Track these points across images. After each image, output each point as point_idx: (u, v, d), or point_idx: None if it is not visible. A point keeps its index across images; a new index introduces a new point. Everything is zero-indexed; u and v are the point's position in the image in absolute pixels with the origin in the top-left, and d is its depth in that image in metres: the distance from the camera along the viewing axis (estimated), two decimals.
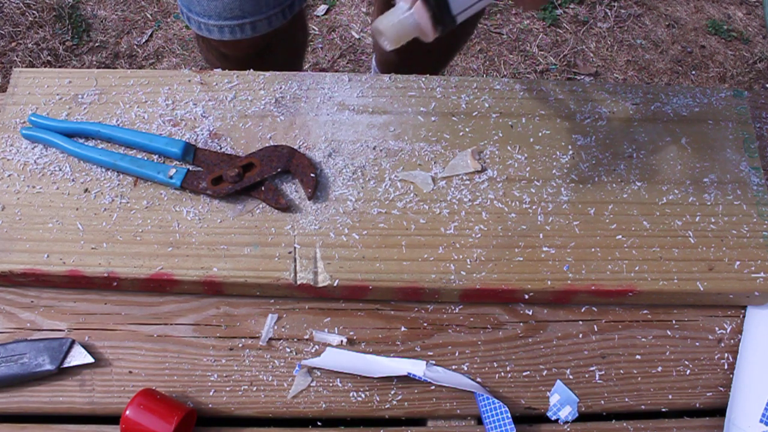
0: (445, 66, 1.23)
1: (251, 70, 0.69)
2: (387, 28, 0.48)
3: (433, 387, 0.58)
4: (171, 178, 0.61)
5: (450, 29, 0.48)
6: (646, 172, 0.65)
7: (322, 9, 1.77)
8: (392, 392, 0.58)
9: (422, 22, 0.47)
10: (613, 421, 0.59)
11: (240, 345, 0.59)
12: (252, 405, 0.57)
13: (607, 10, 1.81)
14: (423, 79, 0.69)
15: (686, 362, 0.60)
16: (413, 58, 1.10)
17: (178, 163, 0.63)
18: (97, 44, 1.68)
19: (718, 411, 0.59)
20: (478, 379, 0.59)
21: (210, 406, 0.57)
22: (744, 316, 0.62)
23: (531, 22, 1.77)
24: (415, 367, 0.57)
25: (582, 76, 1.70)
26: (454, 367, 0.59)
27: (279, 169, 0.62)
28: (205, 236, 0.60)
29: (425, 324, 0.61)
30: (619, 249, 0.61)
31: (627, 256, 0.61)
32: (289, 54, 1.02)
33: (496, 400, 0.56)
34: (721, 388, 0.60)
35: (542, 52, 1.72)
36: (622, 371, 0.60)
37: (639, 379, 0.60)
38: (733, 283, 0.60)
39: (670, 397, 0.59)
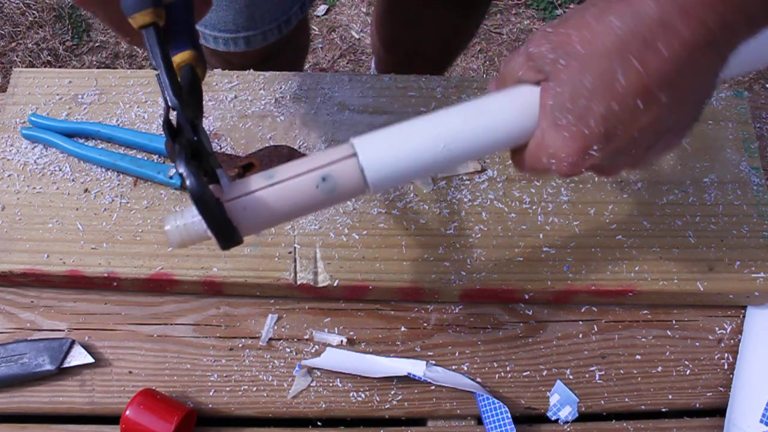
0: (443, 72, 1.23)
1: (251, 70, 0.69)
2: (171, 229, 0.41)
3: (433, 387, 0.58)
4: (171, 178, 0.61)
5: (238, 244, 0.42)
6: (646, 172, 0.65)
7: (322, 9, 1.77)
8: (392, 392, 0.58)
9: (210, 232, 0.41)
10: (613, 421, 0.59)
11: (240, 345, 0.59)
12: (252, 405, 0.57)
13: None
14: (423, 79, 0.69)
15: (686, 362, 0.60)
16: (413, 64, 1.10)
17: None
18: (97, 44, 1.68)
19: (718, 411, 0.59)
20: (478, 379, 0.59)
21: (210, 406, 0.57)
22: (744, 316, 0.62)
23: (531, 22, 1.77)
24: (415, 367, 0.57)
25: None
26: (454, 367, 0.59)
27: None
28: None
29: (425, 324, 0.61)
30: (619, 249, 0.61)
31: (627, 256, 0.61)
32: (291, 59, 1.02)
33: (496, 400, 0.56)
34: (721, 388, 0.60)
35: None
36: (622, 371, 0.60)
37: (639, 379, 0.60)
38: (733, 283, 0.60)
39: (670, 397, 0.59)
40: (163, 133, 0.41)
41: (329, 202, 0.42)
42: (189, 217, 0.41)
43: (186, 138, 0.40)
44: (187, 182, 0.38)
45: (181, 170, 0.38)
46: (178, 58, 0.44)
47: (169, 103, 0.40)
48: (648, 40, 0.35)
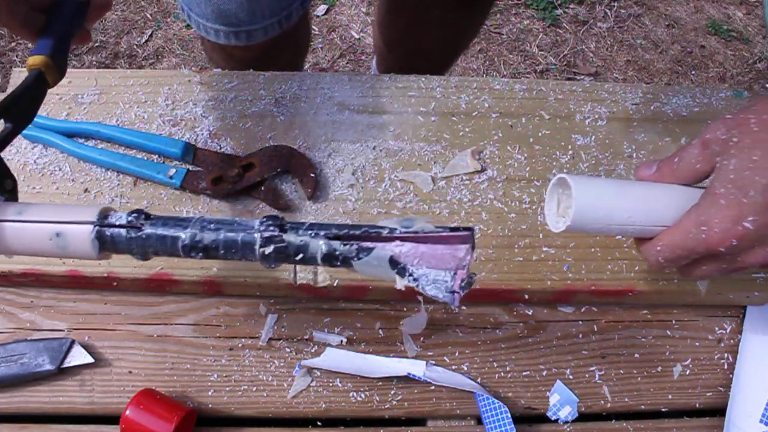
0: (445, 71, 1.23)
1: (251, 70, 0.69)
2: None
3: (433, 387, 0.58)
4: (171, 178, 0.61)
5: None
6: None
7: (322, 9, 1.77)
8: (392, 392, 0.58)
9: None
10: (613, 421, 0.59)
11: (240, 345, 0.59)
12: (252, 405, 0.57)
13: (607, 10, 1.81)
14: (423, 79, 0.69)
15: (686, 362, 0.60)
16: (413, 63, 1.10)
17: (177, 163, 0.63)
18: (97, 44, 1.68)
19: (718, 411, 0.59)
20: (478, 379, 0.59)
21: (210, 406, 0.57)
22: (744, 316, 0.62)
23: (531, 22, 1.77)
24: (415, 367, 0.57)
25: (582, 76, 1.70)
26: (454, 367, 0.59)
27: (279, 169, 0.62)
28: None
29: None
30: (619, 249, 0.61)
31: (627, 256, 0.61)
32: (292, 56, 1.02)
33: (496, 400, 0.56)
34: (721, 388, 0.60)
35: (542, 52, 1.72)
36: (622, 371, 0.60)
37: (639, 379, 0.60)
38: (733, 283, 0.60)
39: (670, 397, 0.59)
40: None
41: (63, 255, 0.43)
42: None
43: None
44: None
45: None
46: (31, 60, 0.45)
47: None
48: None
